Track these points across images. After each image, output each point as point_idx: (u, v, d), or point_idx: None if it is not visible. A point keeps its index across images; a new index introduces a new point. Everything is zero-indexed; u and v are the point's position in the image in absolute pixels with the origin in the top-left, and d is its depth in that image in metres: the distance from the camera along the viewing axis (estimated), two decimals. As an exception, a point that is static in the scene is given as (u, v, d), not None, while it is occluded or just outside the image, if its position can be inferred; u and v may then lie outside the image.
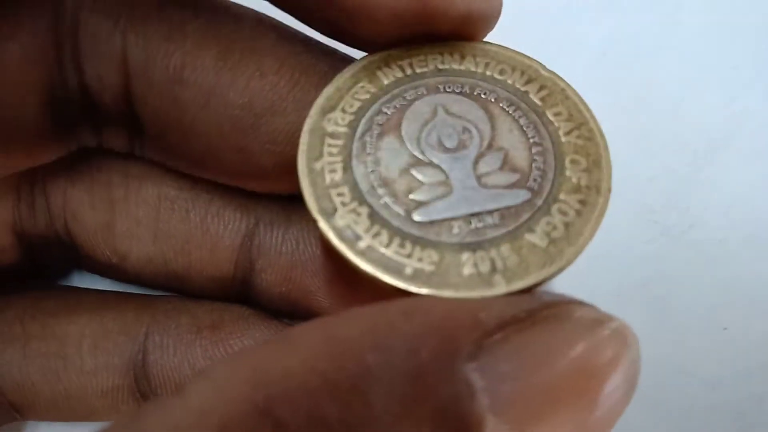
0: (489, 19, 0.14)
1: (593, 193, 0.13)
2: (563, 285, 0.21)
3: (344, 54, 0.16)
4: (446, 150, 0.13)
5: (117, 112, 0.16)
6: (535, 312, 0.09)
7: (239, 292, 0.18)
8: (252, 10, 0.16)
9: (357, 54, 0.15)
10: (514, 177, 0.13)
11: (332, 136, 0.14)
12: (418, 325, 0.09)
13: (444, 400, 0.09)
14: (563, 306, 0.10)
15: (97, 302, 0.18)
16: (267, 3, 0.15)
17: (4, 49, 0.14)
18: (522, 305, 0.09)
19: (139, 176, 0.17)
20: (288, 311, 0.17)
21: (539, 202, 0.13)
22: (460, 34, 0.14)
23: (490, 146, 0.13)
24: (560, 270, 0.12)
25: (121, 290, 0.19)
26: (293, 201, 0.17)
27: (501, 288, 0.12)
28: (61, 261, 0.19)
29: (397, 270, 0.12)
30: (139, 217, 0.17)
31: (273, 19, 0.16)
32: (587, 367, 0.09)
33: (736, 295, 0.21)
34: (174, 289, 0.18)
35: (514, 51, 0.14)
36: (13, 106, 0.15)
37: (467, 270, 0.12)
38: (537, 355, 0.09)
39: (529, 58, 0.14)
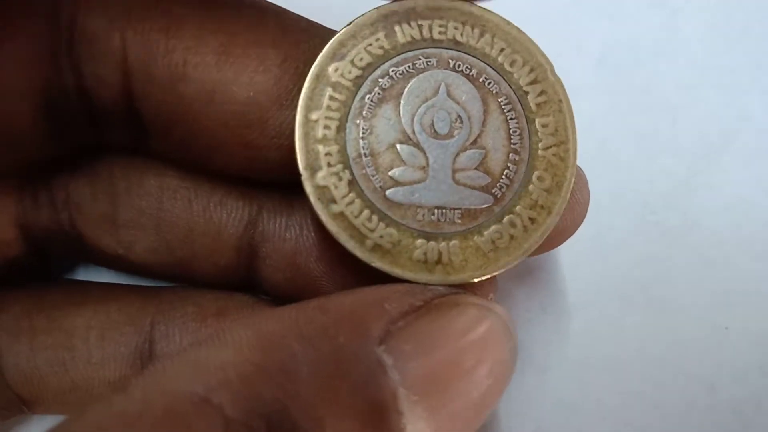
0: None
1: (544, 214, 0.14)
2: (567, 284, 0.21)
3: None
4: (435, 135, 0.14)
5: (117, 111, 0.16)
6: (429, 301, 0.11)
7: (244, 280, 0.18)
8: None
9: None
10: (484, 180, 0.14)
11: (335, 87, 0.14)
12: (333, 316, 0.11)
13: (361, 376, 0.10)
14: (451, 296, 0.12)
15: (103, 294, 0.18)
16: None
17: None
18: (419, 296, 0.11)
19: (140, 167, 0.17)
20: (293, 297, 0.17)
21: (497, 209, 0.14)
22: None
23: (474, 142, 0.14)
24: (491, 274, 0.14)
25: (126, 282, 0.19)
26: (296, 187, 0.17)
27: (438, 278, 0.14)
28: (67, 253, 0.19)
29: (360, 240, 0.14)
30: (142, 207, 0.17)
31: (274, 5, 0.16)
32: (472, 345, 0.11)
33: (735, 296, 0.21)
34: (179, 278, 0.18)
35: (531, 42, 0.15)
36: (8, 111, 0.15)
37: (417, 255, 0.14)
38: (432, 336, 0.11)
39: (543, 55, 0.15)
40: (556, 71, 0.15)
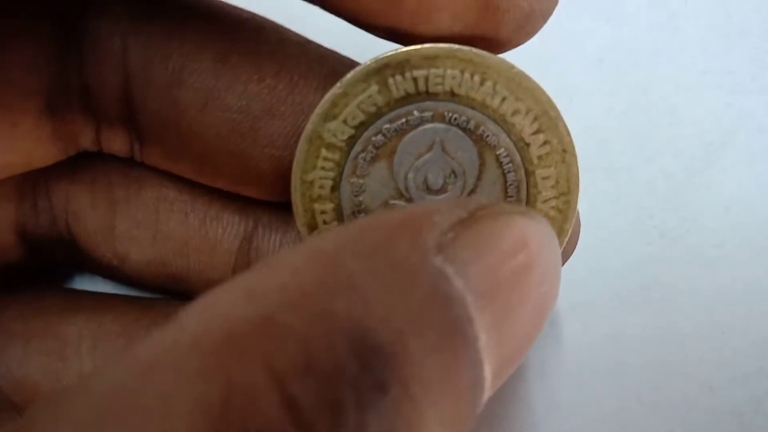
0: (545, 19, 0.14)
1: None
2: (565, 286, 0.21)
3: (344, 57, 0.16)
4: (428, 190, 0.14)
5: (118, 114, 0.16)
6: (474, 212, 0.11)
7: None
8: (252, 13, 0.16)
9: (358, 56, 0.15)
10: None
11: (329, 148, 0.14)
12: (384, 232, 0.10)
13: (428, 287, 0.10)
14: (493, 206, 0.11)
15: (97, 304, 0.18)
16: (267, 5, 0.15)
17: (5, 55, 0.14)
18: (463, 208, 0.11)
19: (139, 178, 0.17)
20: None
21: None
22: (512, 37, 0.14)
23: (468, 196, 0.14)
24: None
25: (124, 293, 0.19)
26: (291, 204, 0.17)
27: None
28: (64, 261, 0.19)
29: None
30: (139, 218, 0.17)
31: (273, 22, 0.16)
32: (524, 248, 0.11)
33: (735, 298, 0.21)
34: (173, 291, 0.18)
35: (538, 87, 0.14)
36: (13, 111, 0.15)
37: None
38: (485, 243, 0.11)
39: (550, 101, 0.14)
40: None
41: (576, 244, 0.17)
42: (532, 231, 0.11)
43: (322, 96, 0.14)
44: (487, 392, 0.11)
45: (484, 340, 0.10)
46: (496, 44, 0.14)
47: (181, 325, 0.09)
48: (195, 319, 0.09)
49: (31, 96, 0.15)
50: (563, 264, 0.16)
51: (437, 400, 0.10)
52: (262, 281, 0.10)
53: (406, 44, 0.14)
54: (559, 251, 0.12)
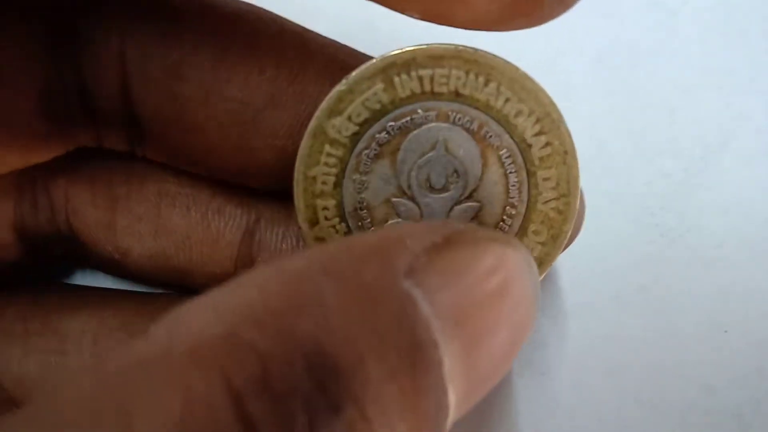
0: None
1: (536, 265, 0.14)
2: (565, 287, 0.21)
3: (343, 45, 0.16)
4: (431, 189, 0.14)
5: (115, 111, 0.16)
6: (449, 237, 0.11)
7: None
8: (250, 5, 0.16)
9: (356, 45, 0.15)
10: None
11: (332, 144, 0.14)
12: (357, 252, 0.11)
13: (393, 311, 0.10)
14: (469, 232, 0.11)
15: (98, 299, 0.18)
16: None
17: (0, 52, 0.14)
18: (438, 232, 0.11)
19: (140, 173, 0.17)
20: None
21: None
22: (552, 10, 0.13)
23: (470, 196, 0.14)
24: None
25: (124, 288, 0.19)
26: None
27: None
28: (64, 258, 0.19)
29: None
30: (140, 213, 0.17)
31: (271, 13, 0.16)
32: (496, 278, 0.11)
33: (734, 298, 0.21)
34: (175, 285, 0.18)
35: (541, 89, 0.14)
36: (7, 107, 0.15)
37: None
38: (457, 271, 0.11)
39: (552, 103, 0.14)
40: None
41: (581, 227, 0.17)
42: (509, 258, 0.11)
43: (322, 85, 0.14)
44: (452, 416, 0.11)
45: (448, 365, 0.10)
46: (536, 20, 0.13)
47: (150, 339, 0.09)
48: (162, 334, 0.10)
49: (26, 97, 0.15)
50: (565, 249, 0.16)
51: (393, 422, 0.10)
52: (231, 297, 0.10)
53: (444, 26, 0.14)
54: (537, 279, 0.12)
